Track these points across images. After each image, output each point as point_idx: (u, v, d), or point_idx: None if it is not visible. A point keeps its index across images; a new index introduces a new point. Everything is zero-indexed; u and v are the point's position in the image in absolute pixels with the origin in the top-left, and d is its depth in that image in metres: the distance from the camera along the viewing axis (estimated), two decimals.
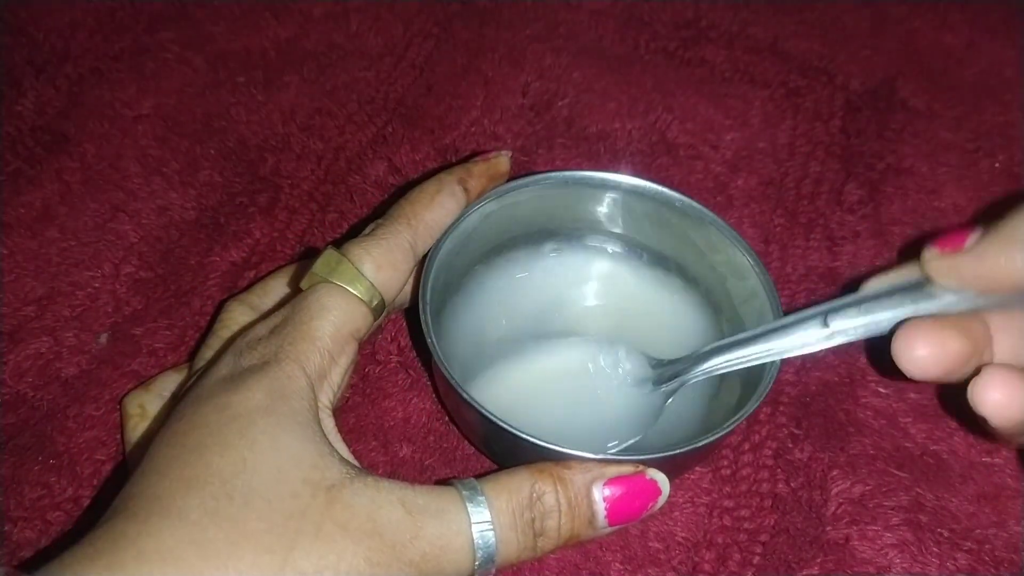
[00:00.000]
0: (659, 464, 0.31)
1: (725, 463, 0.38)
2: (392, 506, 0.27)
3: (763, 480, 0.38)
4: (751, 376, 0.35)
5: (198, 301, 0.42)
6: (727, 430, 0.31)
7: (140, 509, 0.26)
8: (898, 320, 0.31)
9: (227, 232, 0.45)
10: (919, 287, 0.31)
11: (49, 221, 0.45)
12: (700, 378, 0.35)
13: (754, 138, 0.51)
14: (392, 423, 0.39)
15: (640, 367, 0.37)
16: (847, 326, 0.32)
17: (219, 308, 0.37)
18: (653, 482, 0.31)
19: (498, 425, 0.30)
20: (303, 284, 0.33)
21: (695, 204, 0.38)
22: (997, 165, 0.50)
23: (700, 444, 0.31)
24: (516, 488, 0.29)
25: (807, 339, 0.33)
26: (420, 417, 0.39)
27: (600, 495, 0.30)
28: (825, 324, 0.32)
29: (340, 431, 0.31)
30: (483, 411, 0.31)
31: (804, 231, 0.47)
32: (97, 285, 0.43)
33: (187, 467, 0.26)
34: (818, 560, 0.35)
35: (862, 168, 0.50)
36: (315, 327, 0.31)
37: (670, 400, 0.36)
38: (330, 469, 0.27)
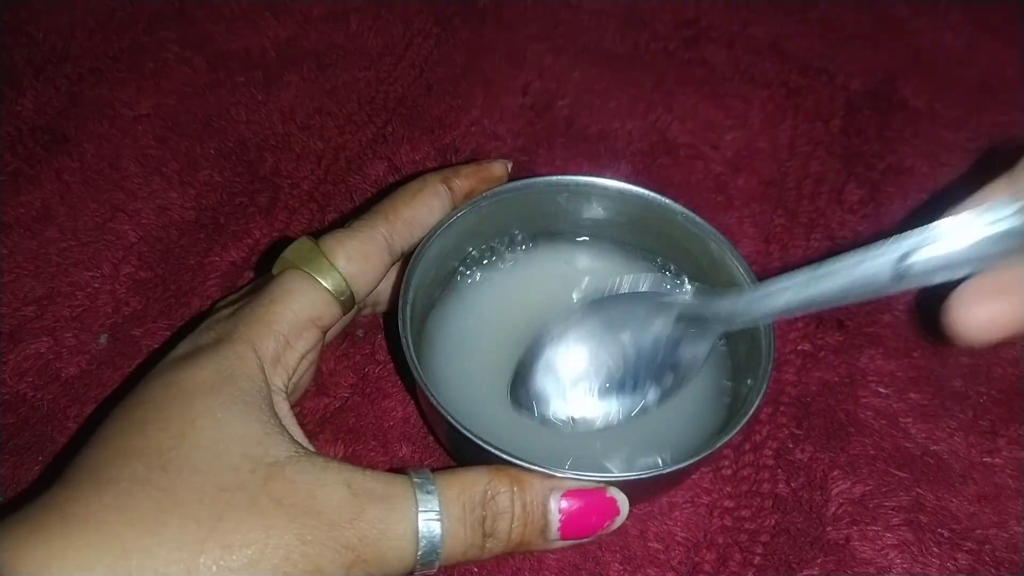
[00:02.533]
0: (625, 485, 0.30)
1: (726, 463, 0.38)
2: (336, 486, 0.27)
3: (764, 480, 0.38)
4: (736, 402, 0.34)
5: (197, 301, 0.42)
6: (694, 460, 0.30)
7: (73, 477, 0.26)
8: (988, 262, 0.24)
9: (227, 232, 0.45)
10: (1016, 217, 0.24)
11: (49, 221, 0.45)
12: (764, 320, 0.31)
13: (754, 138, 0.51)
14: (392, 423, 0.39)
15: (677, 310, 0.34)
16: (925, 270, 0.25)
17: (211, 309, 0.37)
18: (612, 500, 0.30)
19: (464, 434, 0.30)
20: (274, 269, 0.33)
21: (697, 218, 0.37)
22: (998, 165, 0.50)
23: (668, 471, 0.30)
24: (471, 482, 0.29)
25: (875, 285, 0.26)
26: (419, 417, 0.39)
27: (557, 506, 0.29)
28: (897, 268, 0.26)
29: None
30: (451, 419, 0.30)
31: (804, 231, 0.47)
32: (97, 285, 0.42)
33: (125, 439, 0.27)
34: (819, 560, 0.35)
35: (862, 168, 0.50)
36: (273, 310, 0.31)
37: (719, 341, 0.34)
38: (275, 447, 0.27)
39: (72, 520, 0.24)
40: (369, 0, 0.57)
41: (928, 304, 0.26)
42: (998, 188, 0.26)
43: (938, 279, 0.25)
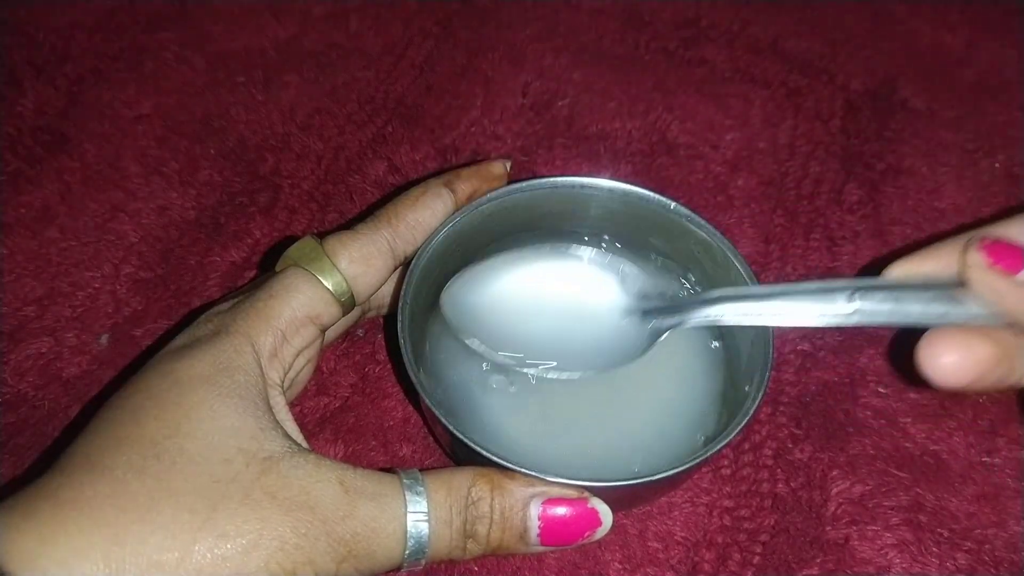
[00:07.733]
0: (607, 493, 0.30)
1: (725, 463, 0.38)
2: (329, 483, 0.27)
3: (763, 480, 0.38)
4: (735, 405, 0.34)
5: (198, 301, 0.42)
6: (685, 467, 0.30)
7: (67, 465, 0.26)
8: (925, 319, 0.28)
9: (227, 232, 0.45)
10: (953, 290, 0.28)
11: (49, 221, 0.45)
12: (700, 323, 0.32)
13: (754, 138, 0.51)
14: (392, 423, 0.39)
15: (636, 291, 0.35)
16: (872, 309, 0.28)
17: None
18: (594, 511, 0.30)
19: (457, 436, 0.30)
20: (277, 267, 0.33)
21: (703, 222, 0.37)
22: (997, 165, 0.50)
23: (657, 478, 0.30)
24: (457, 486, 0.29)
25: (827, 311, 0.29)
26: (419, 417, 0.39)
27: (537, 512, 0.29)
28: (850, 300, 0.28)
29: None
30: (444, 420, 0.30)
31: (804, 231, 0.47)
32: (97, 285, 0.43)
33: (121, 428, 0.27)
34: (818, 560, 0.35)
35: (862, 168, 0.50)
36: (271, 305, 0.31)
37: (661, 338, 0.34)
38: (270, 442, 0.27)
39: (65, 506, 0.25)
40: (369, 0, 0.57)
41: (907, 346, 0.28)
42: (943, 251, 0.28)
43: (886, 321, 0.28)
